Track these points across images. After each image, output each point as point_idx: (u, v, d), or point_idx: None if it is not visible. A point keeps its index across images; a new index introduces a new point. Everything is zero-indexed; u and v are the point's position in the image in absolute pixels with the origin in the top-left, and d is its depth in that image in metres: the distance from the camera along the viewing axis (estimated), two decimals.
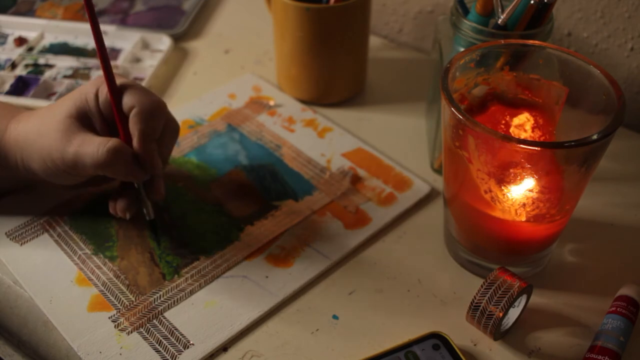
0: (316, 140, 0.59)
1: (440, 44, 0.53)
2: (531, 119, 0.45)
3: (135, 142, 0.46)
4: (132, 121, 0.46)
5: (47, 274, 0.47)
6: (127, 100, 0.46)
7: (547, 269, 0.48)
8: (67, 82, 0.64)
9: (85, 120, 0.47)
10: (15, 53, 0.69)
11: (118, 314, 0.44)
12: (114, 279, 0.47)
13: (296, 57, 0.60)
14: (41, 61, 0.68)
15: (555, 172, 0.39)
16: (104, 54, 0.45)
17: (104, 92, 0.46)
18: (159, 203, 0.52)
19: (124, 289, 0.46)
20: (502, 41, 0.44)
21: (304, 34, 0.58)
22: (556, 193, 0.41)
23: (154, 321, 0.44)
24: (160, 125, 0.47)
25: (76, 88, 0.49)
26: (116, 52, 0.70)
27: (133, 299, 0.45)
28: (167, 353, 0.42)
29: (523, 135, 0.45)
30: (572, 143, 0.36)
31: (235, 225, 0.51)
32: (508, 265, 0.44)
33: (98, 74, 0.66)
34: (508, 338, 0.43)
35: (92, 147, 0.44)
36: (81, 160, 0.45)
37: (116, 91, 0.46)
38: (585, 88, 0.42)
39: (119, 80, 0.46)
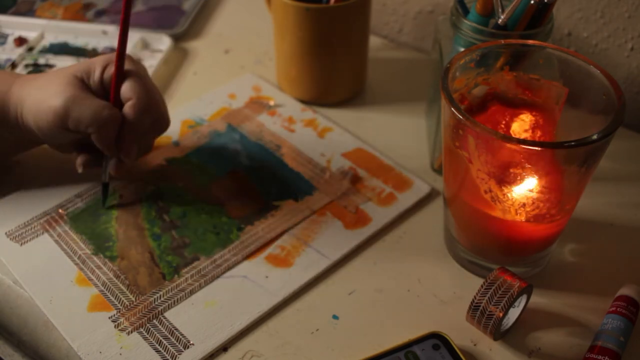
0: (316, 140, 0.59)
1: (440, 44, 0.53)
2: (531, 119, 0.45)
3: (129, 112, 0.48)
4: (125, 111, 0.48)
5: (47, 274, 0.47)
6: (127, 88, 0.48)
7: (547, 269, 0.48)
8: None
9: (85, 83, 0.49)
10: (15, 53, 0.69)
11: (118, 314, 0.44)
12: (114, 279, 0.47)
13: (296, 57, 0.60)
14: (41, 61, 0.68)
15: (555, 172, 0.39)
16: (125, 37, 0.48)
17: (110, 71, 0.49)
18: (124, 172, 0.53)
19: (124, 289, 0.46)
20: (502, 41, 0.44)
21: (304, 34, 0.58)
22: (556, 193, 0.41)
23: (154, 321, 0.44)
24: (149, 121, 0.50)
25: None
26: None
27: (133, 299, 0.45)
28: (167, 353, 0.42)
29: (523, 135, 0.45)
30: (572, 143, 0.36)
31: (235, 225, 0.51)
32: (508, 265, 0.44)
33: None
34: (508, 338, 0.43)
35: (97, 104, 0.47)
36: (78, 113, 0.47)
37: (121, 75, 0.49)
38: (585, 88, 0.42)
39: (128, 65, 0.49)
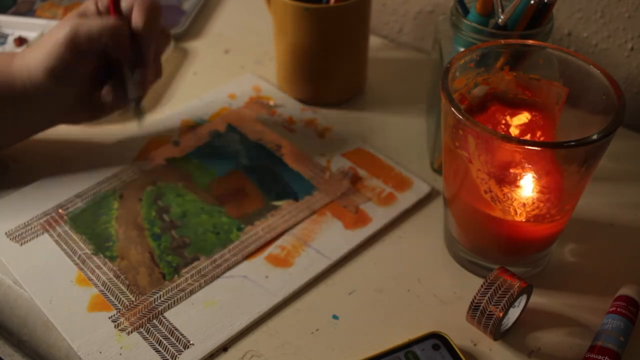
0: (316, 140, 0.59)
1: (440, 44, 0.53)
2: (531, 119, 0.45)
3: (137, 16, 0.50)
4: (133, 17, 0.50)
5: (47, 274, 0.47)
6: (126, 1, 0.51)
7: (547, 269, 0.48)
8: None
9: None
10: None
11: (118, 314, 0.44)
12: (114, 279, 0.47)
13: (296, 57, 0.60)
14: None
15: (555, 172, 0.39)
16: None
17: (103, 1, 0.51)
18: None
19: (124, 289, 0.46)
20: (502, 41, 0.44)
21: (304, 34, 0.58)
22: (556, 193, 0.41)
23: (154, 321, 0.44)
24: (157, 25, 0.51)
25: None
26: None
27: (133, 299, 0.45)
28: (167, 353, 0.42)
29: (523, 136, 0.45)
30: (572, 143, 0.36)
31: (235, 225, 0.51)
32: (508, 265, 0.44)
33: None
34: (508, 338, 0.43)
35: (101, 19, 0.49)
36: (86, 28, 0.48)
37: None
38: (585, 88, 0.42)
39: None
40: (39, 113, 0.52)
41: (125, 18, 0.51)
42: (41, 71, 0.49)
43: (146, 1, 0.51)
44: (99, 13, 0.52)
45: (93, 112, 0.55)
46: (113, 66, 0.52)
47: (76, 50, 0.49)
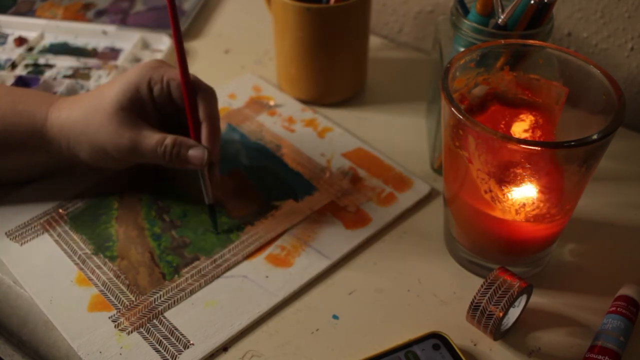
0: (316, 140, 0.59)
1: (440, 44, 0.53)
2: (531, 118, 0.45)
3: (205, 137, 0.48)
4: (203, 109, 0.48)
5: (47, 274, 0.47)
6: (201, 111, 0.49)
7: (547, 269, 0.48)
8: (67, 82, 0.64)
9: (136, 109, 0.48)
10: (15, 53, 0.69)
11: (118, 314, 0.44)
12: (114, 278, 0.47)
13: (296, 57, 0.60)
14: (41, 61, 0.68)
15: (555, 172, 0.39)
16: (181, 48, 0.47)
17: (157, 81, 0.48)
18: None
19: (124, 289, 0.46)
20: (502, 41, 0.44)
21: (304, 34, 0.58)
22: (556, 193, 0.41)
23: (154, 321, 0.44)
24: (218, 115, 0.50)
25: (121, 75, 0.49)
26: (116, 52, 0.70)
27: (133, 298, 0.45)
28: (167, 353, 0.42)
29: (523, 136, 0.45)
30: (572, 143, 0.36)
31: (235, 225, 0.51)
32: (508, 265, 0.44)
33: (98, 74, 0.65)
34: (508, 338, 0.43)
35: (151, 142, 0.47)
36: (139, 152, 0.47)
37: (190, 87, 0.48)
38: (585, 88, 0.42)
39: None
40: (67, 165, 0.52)
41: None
42: (85, 156, 0.48)
43: (213, 105, 0.49)
44: (152, 99, 0.48)
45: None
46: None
47: (119, 162, 0.49)
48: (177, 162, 0.48)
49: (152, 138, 0.47)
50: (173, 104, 0.49)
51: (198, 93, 0.49)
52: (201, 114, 0.48)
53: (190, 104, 0.48)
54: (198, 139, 0.49)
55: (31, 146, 0.49)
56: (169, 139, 0.47)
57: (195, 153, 0.47)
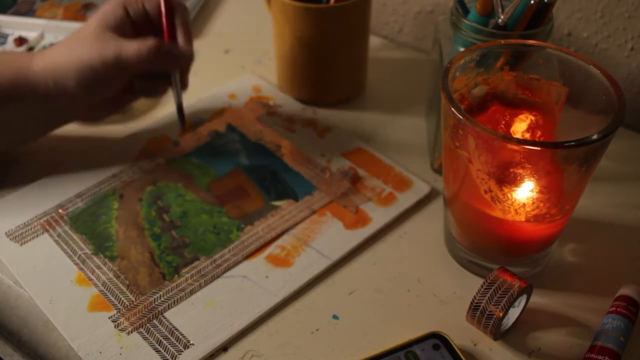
0: (316, 140, 0.59)
1: (440, 44, 0.53)
2: (531, 118, 0.45)
3: (181, 40, 0.52)
4: (178, 25, 0.52)
5: (47, 274, 0.47)
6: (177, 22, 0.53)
7: (547, 269, 0.48)
8: None
9: (115, 30, 0.51)
10: None
11: (118, 314, 0.44)
12: (114, 279, 0.47)
13: (296, 57, 0.60)
14: None
15: (555, 172, 0.39)
16: None
17: (133, 4, 0.52)
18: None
19: (124, 289, 0.46)
20: (502, 41, 0.44)
21: (304, 34, 0.58)
22: (556, 193, 0.41)
23: (154, 321, 0.44)
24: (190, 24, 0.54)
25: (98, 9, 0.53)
26: None
27: (133, 299, 0.45)
28: (167, 353, 0.42)
29: (523, 136, 0.45)
30: (572, 143, 0.36)
31: (235, 225, 0.51)
32: (508, 265, 0.44)
33: None
34: (508, 338, 0.43)
35: (133, 47, 0.49)
36: (124, 59, 0.49)
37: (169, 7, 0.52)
38: (585, 88, 0.42)
39: None
40: (60, 112, 0.53)
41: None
42: (71, 80, 0.50)
43: (186, 17, 0.53)
44: (130, 21, 0.52)
45: (113, 109, 0.56)
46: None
47: (116, 74, 0.50)
48: (158, 60, 0.51)
49: (134, 43, 0.50)
50: (149, 23, 0.53)
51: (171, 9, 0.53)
52: (177, 21, 0.52)
53: (167, 13, 0.52)
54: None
55: (18, 94, 0.50)
56: (150, 39, 0.50)
57: (176, 48, 0.52)
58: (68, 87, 0.50)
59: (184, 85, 0.55)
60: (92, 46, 0.49)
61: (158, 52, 0.50)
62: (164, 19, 0.52)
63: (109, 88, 0.52)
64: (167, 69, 0.53)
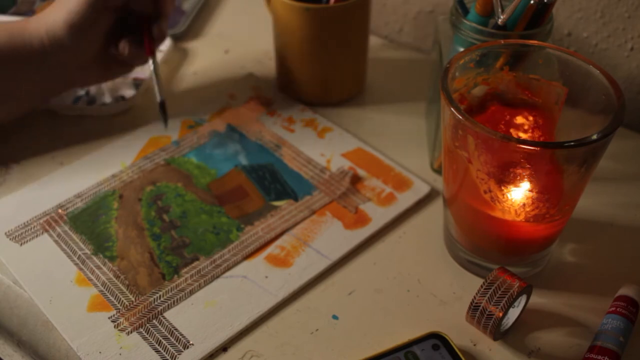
0: (316, 140, 0.59)
1: (440, 44, 0.53)
2: (531, 119, 0.45)
3: None
4: None
5: (47, 274, 0.47)
6: None
7: (547, 269, 0.48)
8: None
9: None
10: None
11: (118, 314, 0.44)
12: (114, 279, 0.47)
13: (296, 57, 0.60)
14: None
15: (555, 172, 0.39)
16: None
17: None
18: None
19: (124, 289, 0.46)
20: (502, 41, 0.44)
21: (304, 34, 0.58)
22: (556, 193, 0.41)
23: (154, 321, 0.44)
24: None
25: None
26: None
27: (133, 299, 0.45)
28: (166, 353, 0.42)
29: (523, 136, 0.45)
30: (572, 143, 0.36)
31: (235, 226, 0.51)
32: (508, 265, 0.44)
33: None
34: (508, 338, 0.43)
35: None
36: None
37: None
38: (585, 88, 0.42)
39: None
40: (55, 72, 0.55)
41: None
42: (61, 27, 0.51)
43: None
44: None
45: (107, 71, 0.58)
46: (128, 21, 0.56)
47: (99, 6, 0.51)
48: None
49: None
50: None
51: None
52: None
53: None
54: None
55: (14, 55, 0.52)
56: None
57: None
58: (59, 37, 0.52)
59: (162, 34, 0.56)
60: None
61: None
62: None
63: (97, 30, 0.53)
64: (144, 6, 0.54)
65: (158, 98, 0.56)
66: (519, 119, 0.45)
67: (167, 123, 0.57)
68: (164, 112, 0.57)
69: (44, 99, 0.57)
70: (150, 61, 0.56)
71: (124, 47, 0.55)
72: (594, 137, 0.37)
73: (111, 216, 0.51)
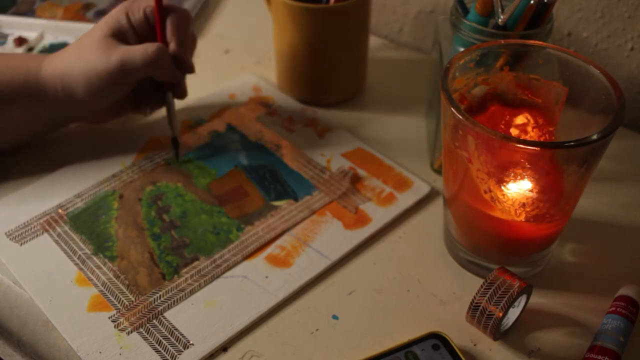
0: (316, 140, 0.59)
1: (440, 44, 0.53)
2: (531, 119, 0.45)
3: (173, 45, 0.53)
4: (170, 28, 0.53)
5: (47, 274, 0.47)
6: (170, 26, 0.54)
7: (547, 269, 0.48)
8: None
9: (119, 38, 0.53)
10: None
11: (118, 314, 0.44)
12: (114, 279, 0.47)
13: (296, 57, 0.60)
14: None
15: (555, 172, 0.39)
16: None
17: (135, 12, 0.53)
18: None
19: (124, 289, 0.46)
20: (502, 41, 0.44)
21: (304, 34, 0.58)
22: (556, 193, 0.41)
23: (154, 321, 0.44)
24: (189, 31, 0.55)
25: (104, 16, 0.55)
26: None
27: (133, 299, 0.45)
28: (167, 353, 0.42)
29: (523, 136, 0.45)
30: (572, 143, 0.36)
31: (235, 226, 0.51)
32: (508, 265, 0.44)
33: None
34: (508, 338, 0.43)
35: (139, 50, 0.51)
36: (130, 63, 0.51)
37: (160, 7, 0.53)
38: (585, 88, 0.42)
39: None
40: (64, 116, 0.55)
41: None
42: (79, 91, 0.51)
43: (183, 23, 0.53)
44: (132, 28, 0.53)
45: (117, 114, 0.57)
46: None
47: (121, 81, 0.51)
48: (162, 63, 0.52)
49: (138, 48, 0.51)
50: (152, 31, 0.54)
51: (169, 14, 0.53)
52: (168, 31, 0.53)
53: (160, 20, 0.53)
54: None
55: (27, 97, 0.51)
56: (152, 44, 0.51)
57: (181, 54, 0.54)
58: (76, 93, 0.51)
59: (181, 94, 0.57)
60: (99, 53, 0.51)
61: (164, 54, 0.52)
62: (157, 24, 0.53)
63: (116, 94, 0.53)
64: (168, 77, 0.54)
65: (171, 134, 0.56)
66: (519, 119, 0.45)
67: (179, 156, 0.56)
68: (176, 147, 0.56)
69: (52, 131, 0.57)
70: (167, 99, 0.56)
71: (146, 110, 0.57)
72: (594, 137, 0.37)
73: (111, 216, 0.51)
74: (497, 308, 0.40)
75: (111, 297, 0.45)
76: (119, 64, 0.50)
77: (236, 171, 0.55)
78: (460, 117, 0.38)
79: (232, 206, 0.52)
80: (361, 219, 0.51)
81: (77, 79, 0.51)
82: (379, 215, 0.51)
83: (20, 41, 0.71)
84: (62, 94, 0.52)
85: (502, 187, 0.40)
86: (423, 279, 0.47)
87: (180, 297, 0.45)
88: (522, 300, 0.43)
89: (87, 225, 0.51)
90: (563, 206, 0.42)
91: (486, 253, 0.46)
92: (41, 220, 0.51)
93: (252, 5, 0.78)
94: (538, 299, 0.45)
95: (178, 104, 0.63)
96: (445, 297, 0.46)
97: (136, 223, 0.51)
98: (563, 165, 0.39)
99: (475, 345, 0.43)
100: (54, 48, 0.70)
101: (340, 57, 0.60)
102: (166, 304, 0.45)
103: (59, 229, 0.50)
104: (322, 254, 0.48)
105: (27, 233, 0.50)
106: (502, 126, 0.45)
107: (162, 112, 0.62)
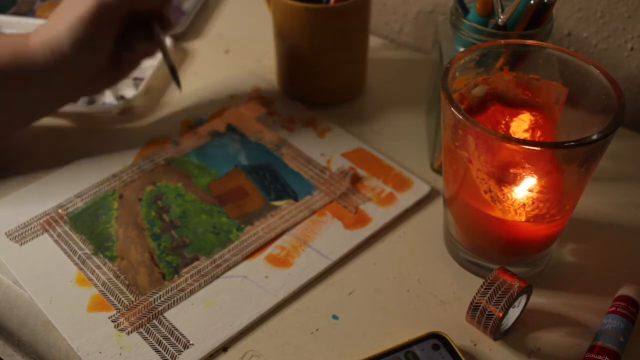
0: (316, 140, 0.59)
1: (440, 44, 0.53)
2: (531, 119, 0.45)
3: None
4: None
5: (47, 274, 0.47)
6: None
7: (547, 269, 0.48)
8: None
9: None
10: None
11: (118, 314, 0.44)
12: (114, 279, 0.47)
13: (296, 57, 0.60)
14: None
15: (555, 172, 0.39)
16: None
17: None
18: None
19: (124, 289, 0.46)
20: (502, 41, 0.44)
21: (304, 34, 0.58)
22: (556, 193, 0.41)
23: (154, 321, 0.44)
24: None
25: None
26: None
27: (133, 299, 0.45)
28: (167, 353, 0.42)
29: (523, 136, 0.45)
30: (572, 143, 0.36)
31: (235, 226, 0.51)
32: (508, 265, 0.44)
33: None
34: (508, 338, 0.43)
35: None
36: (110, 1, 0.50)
37: None
38: (585, 88, 0.42)
39: None
40: (62, 87, 0.54)
41: None
42: (66, 44, 0.50)
43: None
44: None
45: (116, 74, 0.57)
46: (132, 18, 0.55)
47: (103, 21, 0.51)
48: None
49: None
50: None
51: None
52: None
53: None
54: None
55: (17, 72, 0.51)
56: None
57: None
58: (64, 51, 0.51)
59: (167, 25, 0.57)
60: (77, 4, 0.51)
61: None
62: None
63: (104, 43, 0.52)
64: (149, 4, 0.54)
65: (168, 64, 0.57)
66: (519, 119, 0.45)
67: (181, 86, 0.58)
68: (175, 76, 0.57)
69: (51, 111, 0.56)
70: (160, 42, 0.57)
71: (139, 48, 0.56)
72: (594, 137, 0.37)
73: (111, 216, 0.51)
74: (497, 308, 0.40)
75: (111, 297, 0.45)
76: (97, 5, 0.50)
77: (236, 171, 0.55)
78: (460, 117, 0.38)
79: (232, 206, 0.52)
80: (361, 219, 0.51)
81: (62, 33, 0.50)
82: (379, 215, 0.51)
83: None
84: (51, 58, 0.51)
85: (502, 187, 0.40)
86: (423, 279, 0.47)
87: (180, 297, 0.45)
88: (522, 300, 0.43)
89: (87, 225, 0.51)
90: (563, 206, 0.42)
91: (486, 253, 0.46)
92: (41, 220, 0.51)
93: (252, 5, 0.78)
94: (538, 299, 0.45)
95: (179, 104, 0.63)
96: (445, 297, 0.46)
97: (136, 223, 0.51)
98: (563, 165, 0.39)
99: (475, 345, 0.43)
100: None
101: (340, 57, 0.60)
102: (166, 304, 0.45)
103: (59, 229, 0.50)
104: (322, 254, 0.48)
105: (27, 233, 0.50)
106: (502, 126, 0.45)
107: (161, 111, 0.62)
